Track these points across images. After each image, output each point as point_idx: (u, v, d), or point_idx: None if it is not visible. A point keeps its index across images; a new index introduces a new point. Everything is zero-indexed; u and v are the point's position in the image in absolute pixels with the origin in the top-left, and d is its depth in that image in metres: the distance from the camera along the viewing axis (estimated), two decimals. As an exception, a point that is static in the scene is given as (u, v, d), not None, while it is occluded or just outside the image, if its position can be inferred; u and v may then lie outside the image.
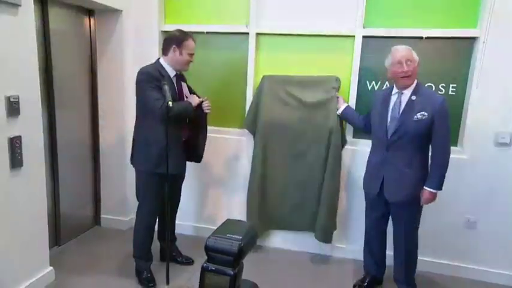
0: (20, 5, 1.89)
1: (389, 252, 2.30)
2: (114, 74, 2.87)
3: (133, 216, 3.11)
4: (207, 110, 2.28)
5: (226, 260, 0.94)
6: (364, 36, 2.53)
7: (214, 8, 2.78)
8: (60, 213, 2.71)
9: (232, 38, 2.78)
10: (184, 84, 2.30)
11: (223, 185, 2.91)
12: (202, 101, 2.26)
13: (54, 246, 2.68)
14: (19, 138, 1.95)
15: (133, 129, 2.26)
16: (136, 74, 2.15)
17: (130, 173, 3.02)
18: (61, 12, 2.56)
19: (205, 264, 0.96)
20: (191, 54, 2.19)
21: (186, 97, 2.26)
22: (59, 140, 2.62)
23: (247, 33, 2.71)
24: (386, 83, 2.56)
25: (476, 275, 2.54)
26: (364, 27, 2.53)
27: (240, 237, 0.96)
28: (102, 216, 3.11)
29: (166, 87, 2.01)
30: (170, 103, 1.93)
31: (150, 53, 2.83)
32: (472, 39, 2.41)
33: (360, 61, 2.56)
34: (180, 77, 2.28)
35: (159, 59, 2.23)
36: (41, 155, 2.14)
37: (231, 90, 2.84)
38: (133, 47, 2.87)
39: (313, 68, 2.65)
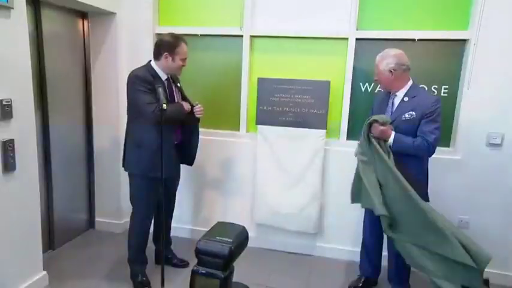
0: (12, 8, 1.88)
1: (385, 252, 2.32)
2: (108, 76, 2.86)
3: (128, 219, 3.11)
4: (199, 114, 2.26)
5: (216, 263, 0.93)
6: (357, 39, 2.55)
7: (208, 10, 2.78)
8: (54, 217, 2.69)
9: (226, 40, 2.79)
10: (176, 89, 2.29)
11: (219, 187, 2.91)
12: (194, 106, 2.24)
13: (48, 250, 2.66)
14: (12, 141, 1.94)
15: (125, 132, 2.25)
16: (126, 76, 2.13)
17: (125, 176, 3.01)
18: (54, 15, 2.55)
19: (195, 268, 0.96)
20: (184, 59, 2.17)
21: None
22: (53, 143, 2.61)
23: (241, 36, 2.72)
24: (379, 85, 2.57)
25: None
26: (357, 30, 2.54)
27: (231, 240, 0.96)
28: (97, 219, 3.10)
29: (160, 90, 1.99)
30: (164, 106, 1.91)
31: (144, 55, 2.81)
32: (463, 41, 2.44)
33: (354, 63, 2.57)
34: (172, 80, 2.26)
35: (150, 61, 2.20)
36: (34, 158, 2.13)
37: (226, 93, 2.84)
38: (127, 49, 2.86)
39: (307, 70, 2.67)
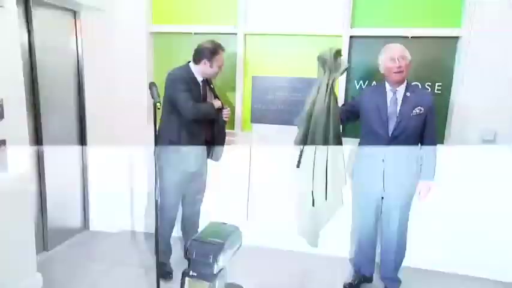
0: (2, 6, 1.85)
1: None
2: (101, 75, 2.84)
3: (124, 219, 3.11)
4: (226, 118, 2.42)
5: (208, 266, 0.91)
6: (351, 36, 2.55)
7: (202, 9, 2.76)
8: (48, 218, 2.66)
9: (220, 39, 2.76)
10: (210, 89, 2.41)
11: (214, 185, 2.87)
12: (223, 108, 2.38)
13: (42, 252, 2.63)
14: (3, 142, 1.91)
15: (159, 127, 2.32)
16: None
17: (120, 176, 3.00)
18: (45, 13, 2.52)
19: (185, 270, 0.94)
20: (220, 66, 2.30)
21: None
22: (45, 143, 2.57)
23: (236, 34, 2.70)
24: (374, 82, 2.58)
25: (464, 269, 2.57)
26: (351, 27, 2.54)
27: (222, 241, 0.94)
28: (91, 219, 3.08)
29: (154, 89, 2.02)
30: (158, 104, 1.95)
31: (138, 54, 2.81)
32: (456, 38, 2.45)
33: (348, 60, 2.57)
34: (206, 81, 2.38)
35: (189, 62, 2.31)
36: (26, 158, 2.10)
37: (220, 91, 2.81)
38: (120, 48, 2.83)
39: (302, 68, 2.67)
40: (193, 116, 2.21)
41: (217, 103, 2.35)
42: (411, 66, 2.11)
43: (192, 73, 2.29)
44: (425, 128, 2.09)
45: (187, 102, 2.18)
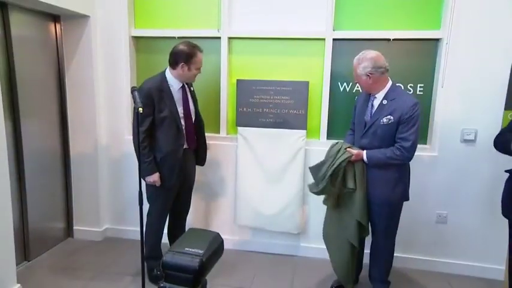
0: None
1: (366, 250, 2.33)
2: (83, 80, 2.79)
3: (107, 226, 3.06)
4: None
5: (186, 279, 0.86)
6: (334, 39, 2.57)
7: (185, 13, 2.75)
8: (29, 226, 2.59)
9: (204, 43, 2.75)
10: (190, 94, 2.33)
11: (200, 190, 2.86)
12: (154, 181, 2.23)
13: (23, 262, 2.56)
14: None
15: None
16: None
17: (103, 182, 2.95)
18: (24, 19, 2.47)
19: (162, 284, 0.89)
20: (199, 68, 2.22)
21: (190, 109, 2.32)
22: (25, 150, 2.52)
23: (219, 38, 2.70)
24: (357, 84, 2.60)
25: (449, 268, 2.61)
26: (334, 30, 2.57)
27: (201, 252, 0.88)
28: (75, 227, 3.01)
29: (136, 94, 1.99)
30: (140, 109, 1.91)
31: (120, 58, 2.78)
32: (436, 40, 2.49)
33: (331, 63, 2.59)
34: (186, 85, 2.31)
35: (165, 70, 2.22)
36: (5, 165, 2.04)
37: (205, 95, 2.81)
38: (102, 52, 2.80)
39: (286, 71, 2.68)
40: (134, 133, 2.11)
41: (149, 177, 2.19)
42: (374, 79, 1.98)
43: (166, 81, 2.19)
44: (396, 135, 1.97)
45: (139, 126, 2.05)
